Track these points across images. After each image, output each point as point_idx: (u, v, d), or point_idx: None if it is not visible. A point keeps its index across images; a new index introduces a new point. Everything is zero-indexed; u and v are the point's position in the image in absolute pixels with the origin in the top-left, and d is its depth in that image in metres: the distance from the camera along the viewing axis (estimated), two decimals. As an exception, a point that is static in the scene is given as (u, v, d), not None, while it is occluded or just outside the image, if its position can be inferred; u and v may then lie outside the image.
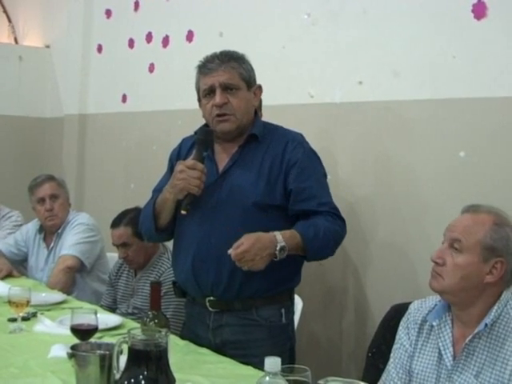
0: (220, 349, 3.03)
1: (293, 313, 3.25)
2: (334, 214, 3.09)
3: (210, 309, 3.12)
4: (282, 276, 3.07)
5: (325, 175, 3.21)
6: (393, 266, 3.66)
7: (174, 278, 3.65)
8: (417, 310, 2.63)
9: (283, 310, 3.14)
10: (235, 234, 2.93)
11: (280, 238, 2.90)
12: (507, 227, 2.43)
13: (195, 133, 3.21)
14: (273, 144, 3.13)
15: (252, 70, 3.18)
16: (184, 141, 3.39)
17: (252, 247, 2.86)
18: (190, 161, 3.03)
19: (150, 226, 3.23)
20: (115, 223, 4.20)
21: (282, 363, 1.92)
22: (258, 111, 3.28)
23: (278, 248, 2.89)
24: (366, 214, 3.80)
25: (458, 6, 3.37)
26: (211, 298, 3.10)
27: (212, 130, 3.11)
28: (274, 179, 3.07)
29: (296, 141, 3.15)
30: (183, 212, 3.02)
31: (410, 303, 2.70)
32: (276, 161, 3.09)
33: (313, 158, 3.18)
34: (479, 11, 3.28)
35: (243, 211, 3.04)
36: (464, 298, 2.42)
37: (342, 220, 3.13)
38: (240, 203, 3.05)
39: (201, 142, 3.08)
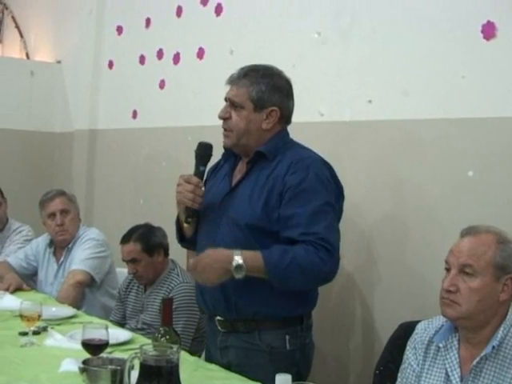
0: (226, 369, 2.97)
1: (303, 337, 3.11)
2: (320, 245, 2.88)
3: (219, 328, 3.11)
4: (283, 301, 3.00)
5: (329, 204, 2.99)
6: (401, 285, 3.66)
7: (184, 294, 3.68)
8: (423, 330, 2.63)
9: (287, 337, 3.03)
10: None
11: (238, 256, 2.83)
12: (511, 243, 2.46)
13: (195, 149, 3.20)
14: (280, 165, 3.02)
15: (270, 91, 3.07)
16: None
17: (205, 258, 2.89)
18: (186, 174, 3.07)
19: (176, 235, 3.33)
20: (125, 239, 4.22)
21: None
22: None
23: (233, 265, 2.82)
24: (375, 232, 3.81)
25: (467, 26, 3.39)
26: (219, 317, 3.10)
27: (209, 144, 3.12)
28: (272, 201, 2.98)
29: (300, 164, 3.00)
30: (185, 225, 3.10)
31: (417, 322, 2.71)
32: (277, 183, 2.98)
33: (316, 184, 2.98)
34: (488, 31, 3.30)
35: (238, 230, 3.00)
36: (481, 320, 2.43)
37: (330, 253, 2.89)
38: (235, 222, 3.02)
39: (197, 157, 3.12)
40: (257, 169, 3.08)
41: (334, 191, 3.07)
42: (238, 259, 2.82)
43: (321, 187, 2.99)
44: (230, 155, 3.20)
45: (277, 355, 3.02)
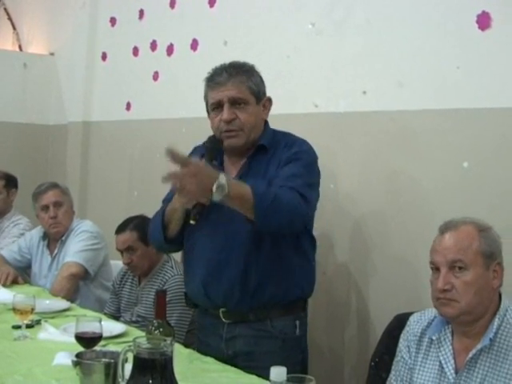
0: (232, 360, 2.99)
1: (306, 325, 3.21)
2: (297, 192, 2.90)
3: (224, 320, 3.09)
4: (293, 283, 3.04)
5: (315, 181, 3.09)
6: (396, 276, 3.66)
7: (178, 287, 3.65)
8: (416, 322, 2.63)
9: (297, 322, 3.11)
10: (245, 248, 2.95)
11: (222, 175, 2.71)
12: (490, 230, 2.48)
13: (205, 142, 3.19)
14: (277, 152, 3.09)
15: (261, 82, 3.14)
16: (195, 149, 3.33)
17: (196, 168, 2.71)
18: None
19: (159, 236, 3.17)
20: (120, 229, 4.21)
21: None
22: None
23: (216, 182, 2.67)
24: (369, 224, 3.80)
25: (462, 17, 3.38)
26: (224, 309, 3.08)
27: (220, 138, 3.08)
28: None
29: (292, 143, 3.10)
30: (192, 222, 2.96)
31: (413, 313, 2.71)
32: (276, 167, 3.05)
33: (306, 158, 3.07)
34: (484, 22, 3.29)
35: (245, 225, 2.94)
36: (479, 312, 2.42)
37: (305, 199, 2.92)
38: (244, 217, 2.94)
39: (209, 151, 3.06)
40: (257, 161, 3.11)
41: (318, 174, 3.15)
42: (221, 178, 2.68)
43: (309, 160, 3.09)
44: (217, 152, 3.11)
45: (288, 341, 3.08)
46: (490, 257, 2.42)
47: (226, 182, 2.69)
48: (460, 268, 2.41)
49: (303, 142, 3.16)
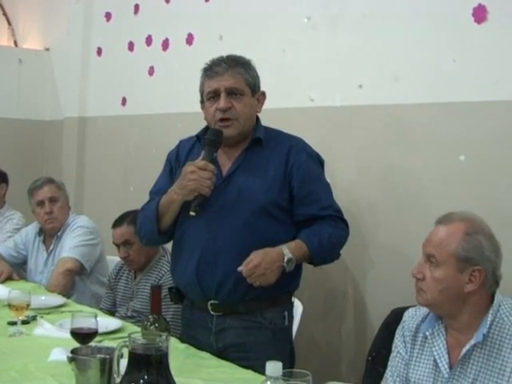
0: (221, 353, 3.01)
1: (293, 316, 3.27)
2: (337, 217, 3.14)
3: (212, 312, 3.09)
4: (284, 278, 3.02)
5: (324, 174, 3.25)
6: (393, 270, 3.65)
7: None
8: (411, 317, 2.63)
9: (286, 313, 3.16)
10: (242, 237, 2.99)
11: (287, 250, 2.95)
12: (479, 234, 2.42)
13: (197, 136, 3.22)
14: (277, 149, 3.13)
15: (257, 76, 3.17)
16: (181, 143, 3.37)
17: (262, 261, 2.91)
18: (200, 161, 3.01)
19: (151, 228, 3.19)
20: (117, 223, 4.20)
21: (283, 367, 1.92)
22: None
23: (285, 260, 2.94)
24: (366, 217, 3.80)
25: (458, 10, 3.37)
26: (213, 301, 3.08)
27: (221, 130, 3.07)
28: (279, 183, 3.07)
29: (299, 146, 3.17)
30: (192, 213, 3.01)
31: (409, 307, 2.70)
32: (280, 165, 3.09)
33: (316, 161, 3.21)
34: (480, 15, 3.28)
35: (250, 214, 3.04)
36: (449, 309, 2.44)
37: (345, 222, 3.18)
38: (247, 207, 3.04)
39: (211, 143, 3.06)
40: (253, 155, 3.14)
41: None
42: (287, 253, 2.96)
43: (319, 163, 3.24)
44: (219, 145, 3.10)
45: (278, 332, 3.13)
46: (467, 262, 2.38)
47: (291, 255, 2.96)
48: (433, 262, 2.43)
49: (305, 143, 3.23)
